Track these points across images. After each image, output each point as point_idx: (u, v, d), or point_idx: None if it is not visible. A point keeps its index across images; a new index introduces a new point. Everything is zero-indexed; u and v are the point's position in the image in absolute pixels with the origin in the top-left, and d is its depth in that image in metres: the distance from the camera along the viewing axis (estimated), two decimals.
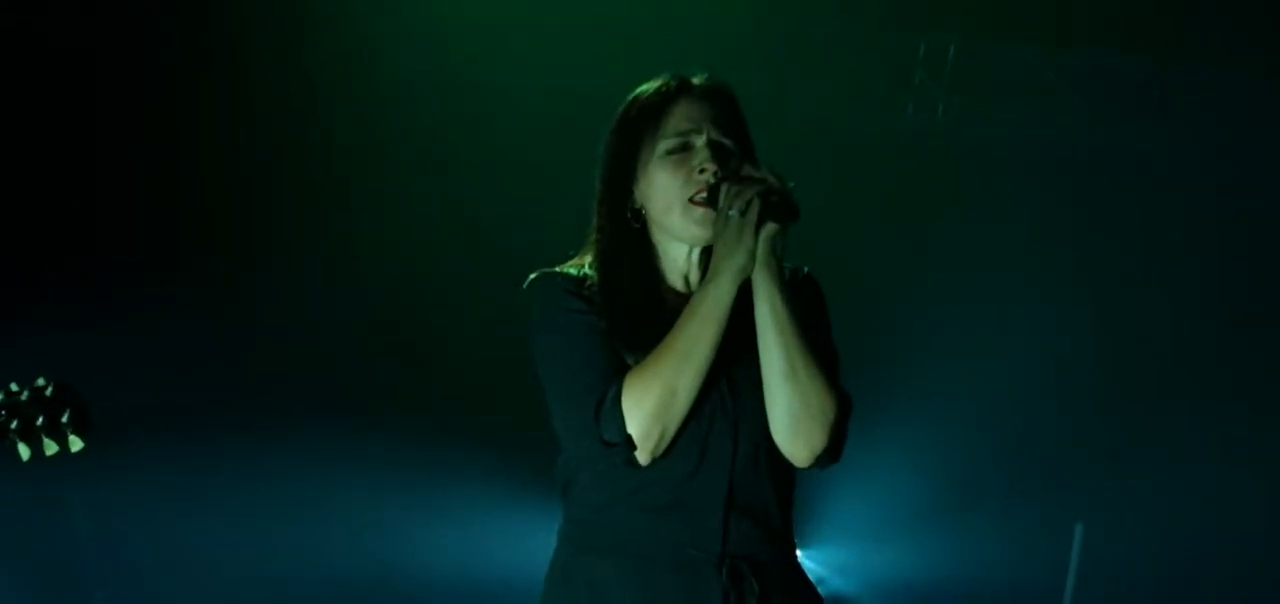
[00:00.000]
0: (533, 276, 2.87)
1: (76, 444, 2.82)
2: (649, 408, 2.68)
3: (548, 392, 2.84)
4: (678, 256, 2.87)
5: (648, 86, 2.89)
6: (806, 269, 2.93)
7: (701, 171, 2.80)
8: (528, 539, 5.69)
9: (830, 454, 2.80)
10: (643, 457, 2.71)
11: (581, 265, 2.88)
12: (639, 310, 2.80)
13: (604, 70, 6.52)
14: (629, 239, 2.86)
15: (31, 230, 6.53)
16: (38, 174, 6.56)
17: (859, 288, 7.12)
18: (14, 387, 2.85)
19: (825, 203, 6.96)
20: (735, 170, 2.78)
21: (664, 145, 2.82)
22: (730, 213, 2.72)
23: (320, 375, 6.97)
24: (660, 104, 2.85)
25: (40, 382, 2.83)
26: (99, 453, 6.42)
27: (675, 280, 2.88)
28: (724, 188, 2.75)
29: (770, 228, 2.72)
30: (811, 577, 3.00)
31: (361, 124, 6.96)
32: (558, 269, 2.88)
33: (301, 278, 6.94)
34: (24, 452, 2.81)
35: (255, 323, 6.91)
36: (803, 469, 2.84)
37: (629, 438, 2.69)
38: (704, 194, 2.78)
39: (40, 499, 6.52)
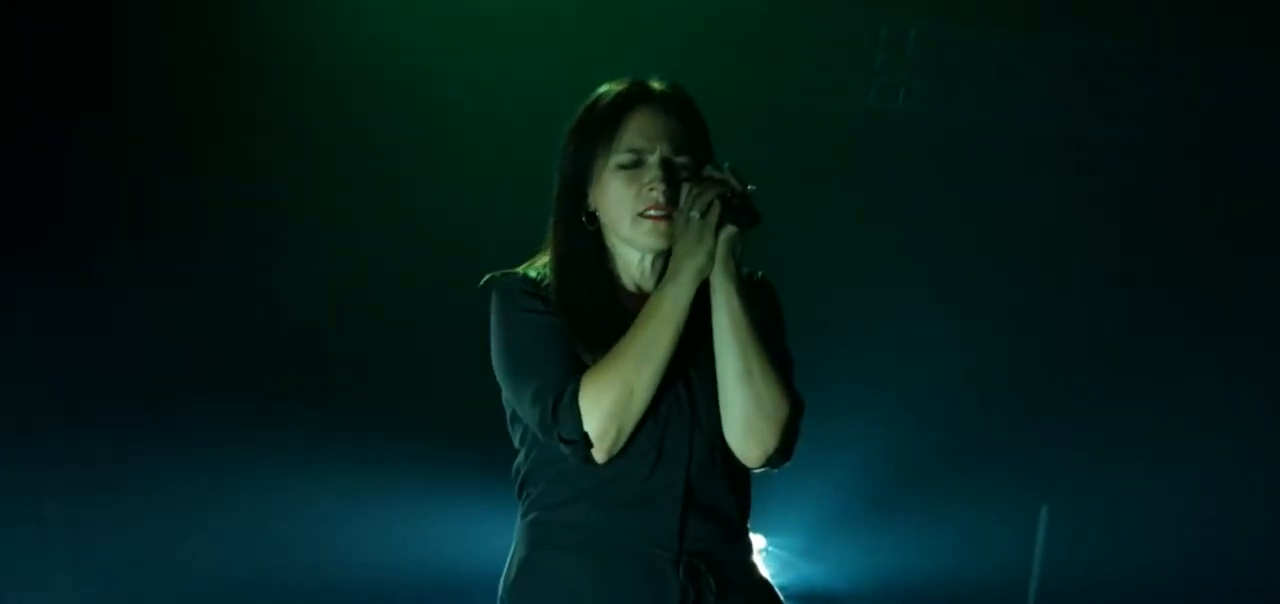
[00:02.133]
0: (487, 278, 2.89)
1: None
2: (606, 406, 2.71)
3: (505, 391, 2.86)
4: (631, 260, 2.90)
5: (607, 91, 2.90)
6: (760, 274, 2.96)
7: (651, 189, 2.82)
8: (485, 535, 5.69)
9: (781, 454, 2.83)
10: (599, 454, 2.74)
11: (538, 266, 2.91)
12: (595, 311, 2.83)
13: (568, 60, 6.52)
14: (584, 240, 2.88)
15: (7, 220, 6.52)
16: (14, 164, 6.54)
17: (821, 274, 7.14)
18: None
19: (786, 190, 7.01)
20: (696, 171, 2.80)
21: (617, 158, 2.84)
22: (691, 213, 2.75)
23: (289, 370, 6.96)
24: (616, 113, 2.86)
25: None
26: (71, 442, 6.41)
27: (629, 283, 2.91)
28: (686, 188, 2.78)
29: (730, 230, 2.75)
30: (779, 564, 3.04)
31: (340, 115, 6.94)
32: (513, 271, 2.89)
33: (273, 271, 6.92)
34: None
35: (226, 316, 6.89)
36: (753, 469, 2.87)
37: (585, 436, 2.71)
38: (655, 210, 2.81)
39: (9, 487, 6.51)
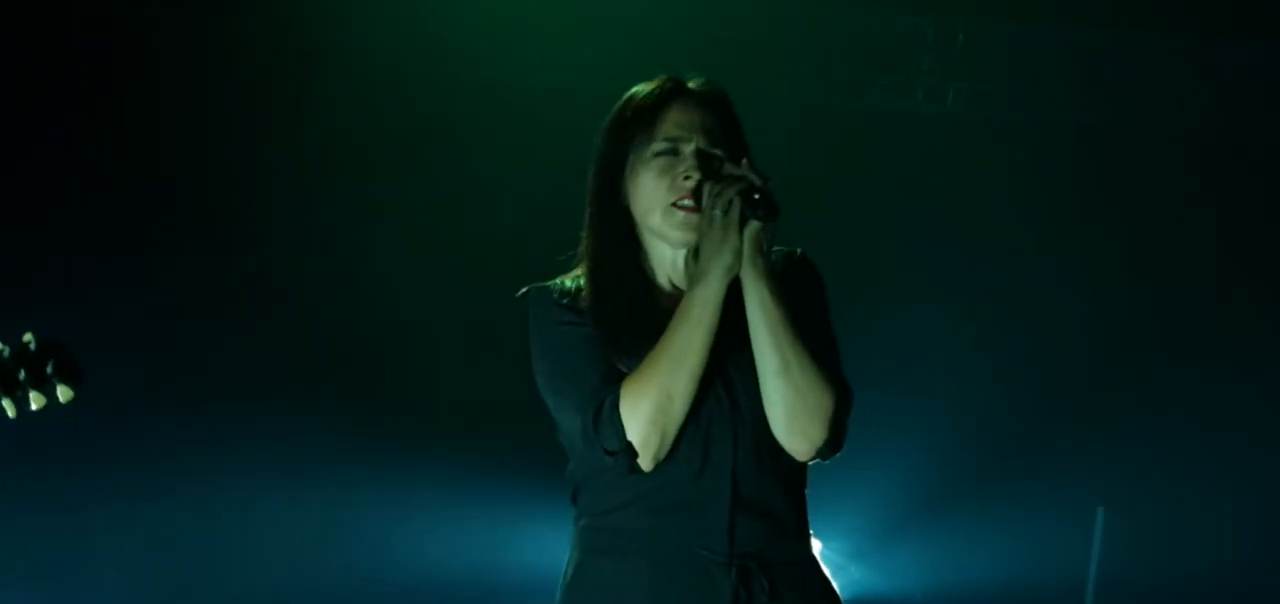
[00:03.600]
0: (524, 291, 2.89)
1: (66, 394, 2.76)
2: (646, 413, 2.70)
3: (548, 404, 2.87)
4: (665, 256, 2.89)
5: (643, 88, 2.91)
6: (800, 251, 2.93)
7: (686, 179, 2.81)
8: (546, 542, 5.69)
9: (830, 446, 2.81)
10: (644, 463, 2.73)
11: (576, 276, 2.90)
12: (630, 311, 2.82)
13: (609, 64, 6.50)
14: (619, 237, 2.88)
15: (30, 220, 6.55)
16: (37, 166, 6.57)
17: (873, 276, 7.11)
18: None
19: (834, 192, 7.00)
20: (716, 170, 2.80)
21: (653, 149, 2.84)
22: (713, 212, 2.74)
23: (330, 374, 6.97)
24: (654, 107, 2.87)
25: (26, 337, 2.79)
26: (115, 445, 6.41)
27: (664, 281, 2.90)
28: (707, 188, 2.77)
29: (753, 225, 2.74)
30: (831, 568, 2.99)
31: (371, 119, 6.96)
32: (550, 283, 2.89)
33: (306, 272, 6.94)
34: (9, 408, 2.77)
35: (261, 318, 6.91)
36: (804, 462, 2.83)
37: (629, 445, 2.71)
38: (688, 200, 2.81)
39: (54, 495, 6.56)
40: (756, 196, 2.73)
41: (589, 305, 2.82)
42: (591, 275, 2.86)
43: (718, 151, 2.82)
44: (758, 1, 7.05)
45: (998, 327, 7.39)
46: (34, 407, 2.75)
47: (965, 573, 7.55)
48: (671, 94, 2.87)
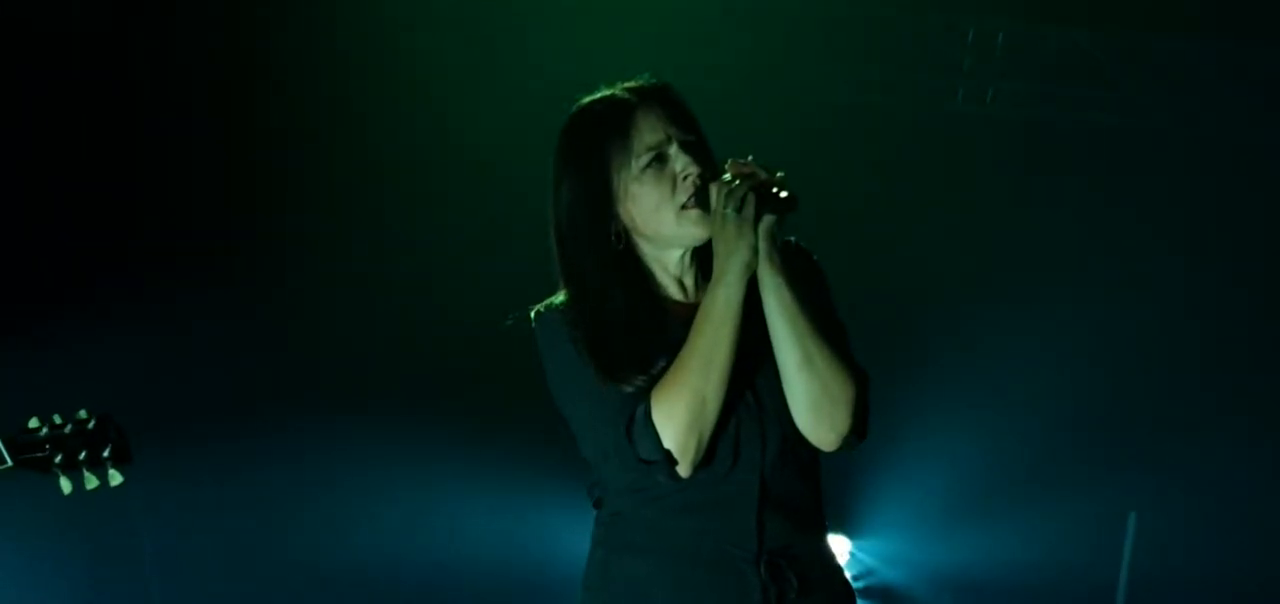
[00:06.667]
0: (533, 317, 2.85)
1: (116, 478, 2.90)
2: (681, 419, 2.68)
3: (572, 424, 2.83)
4: (670, 263, 2.85)
5: (594, 108, 2.85)
6: (795, 240, 2.89)
7: (685, 177, 2.78)
8: (561, 536, 5.70)
9: (856, 434, 2.78)
10: (683, 469, 2.70)
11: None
12: (644, 329, 2.77)
13: (648, 63, 6.49)
14: (617, 262, 2.82)
15: (65, 233, 6.58)
16: (68, 176, 6.60)
17: (909, 277, 7.11)
18: (57, 418, 2.90)
19: (875, 192, 6.99)
20: (716, 168, 2.77)
21: (639, 162, 2.79)
22: (726, 211, 2.70)
23: (355, 373, 7.00)
24: (620, 123, 2.81)
25: (82, 414, 2.89)
26: (156, 450, 6.48)
27: (671, 287, 2.86)
28: (714, 188, 2.74)
29: (768, 220, 2.71)
30: (863, 568, 3.01)
31: (392, 122, 6.98)
32: (555, 301, 2.84)
33: (333, 276, 6.97)
34: (66, 485, 2.88)
35: (289, 321, 6.94)
36: (826, 453, 2.81)
37: (668, 453, 2.68)
38: (694, 198, 2.77)
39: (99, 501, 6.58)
40: (775, 190, 2.69)
41: (589, 338, 2.75)
42: (594, 309, 2.78)
43: (693, 138, 2.79)
44: (798, 1, 7.05)
45: (1034, 331, 7.37)
46: (88, 487, 2.87)
47: (998, 575, 7.54)
48: (630, 105, 2.81)
